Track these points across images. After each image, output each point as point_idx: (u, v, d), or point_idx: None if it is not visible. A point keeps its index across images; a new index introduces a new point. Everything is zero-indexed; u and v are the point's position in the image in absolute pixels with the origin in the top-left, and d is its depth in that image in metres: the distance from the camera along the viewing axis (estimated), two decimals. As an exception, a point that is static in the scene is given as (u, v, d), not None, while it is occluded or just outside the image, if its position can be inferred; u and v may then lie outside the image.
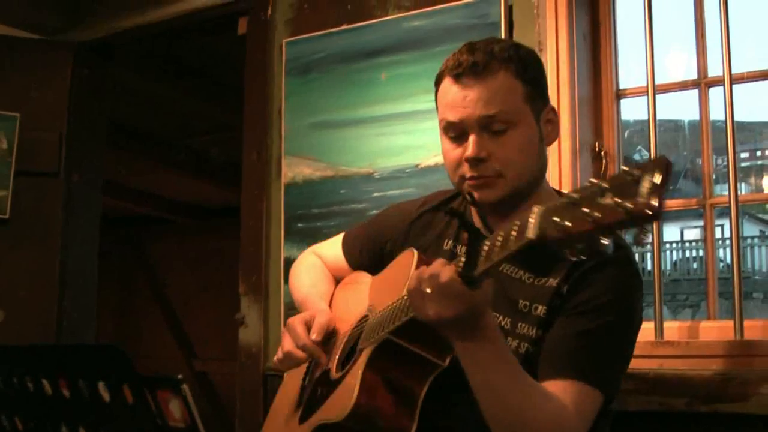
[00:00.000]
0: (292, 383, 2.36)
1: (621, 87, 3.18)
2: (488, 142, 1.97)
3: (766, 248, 22.51)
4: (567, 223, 1.38)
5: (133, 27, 4.26)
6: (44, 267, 4.28)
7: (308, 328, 2.19)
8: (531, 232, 1.46)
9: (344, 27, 3.57)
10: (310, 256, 2.57)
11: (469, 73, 1.99)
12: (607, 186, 1.34)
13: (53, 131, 4.32)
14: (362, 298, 2.23)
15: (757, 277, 21.46)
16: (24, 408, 1.56)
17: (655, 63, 3.02)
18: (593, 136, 3.14)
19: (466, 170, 2.00)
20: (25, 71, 4.36)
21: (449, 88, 2.02)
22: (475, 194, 2.00)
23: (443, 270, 1.69)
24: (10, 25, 4.38)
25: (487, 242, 1.62)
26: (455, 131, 2.02)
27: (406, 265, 2.00)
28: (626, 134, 3.14)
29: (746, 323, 2.77)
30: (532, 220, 1.46)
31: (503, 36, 3.11)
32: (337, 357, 2.14)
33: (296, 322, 2.21)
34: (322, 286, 2.43)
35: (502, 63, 1.98)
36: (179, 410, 1.20)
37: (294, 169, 3.61)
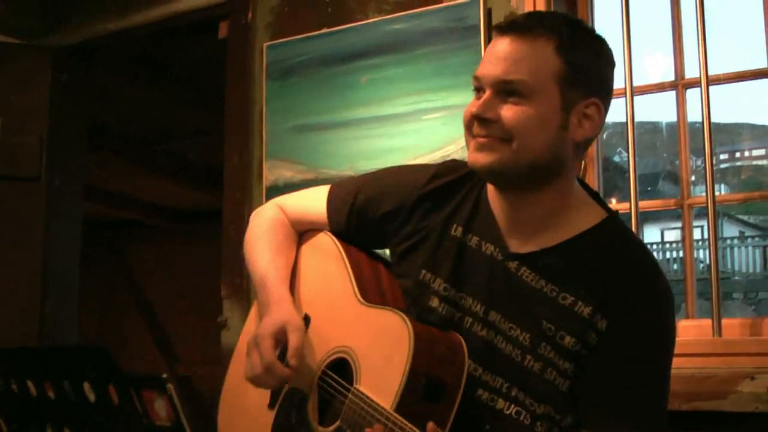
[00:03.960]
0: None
1: (599, 89, 3.20)
2: (500, 105, 1.80)
3: (746, 249, 22.61)
4: None
5: (113, 31, 4.25)
6: (26, 271, 4.27)
7: (277, 342, 1.99)
8: None
9: (324, 30, 3.58)
10: (271, 208, 2.30)
11: (507, 30, 1.83)
12: None
13: (34, 135, 4.32)
14: (333, 290, 2.08)
15: (736, 278, 21.54)
16: (8, 409, 1.55)
17: (633, 65, 3.05)
18: (572, 138, 3.15)
19: (475, 126, 1.84)
20: (5, 75, 4.35)
21: (492, 40, 1.87)
22: (470, 158, 1.86)
23: None
24: (-11, 29, 4.38)
25: None
26: (477, 83, 1.86)
27: (400, 342, 1.83)
28: (605, 136, 3.14)
29: (724, 322, 2.81)
30: None
31: (482, 39, 3.13)
32: (314, 400, 2.01)
33: (266, 336, 1.98)
34: (282, 259, 2.19)
35: (547, 31, 1.80)
36: (165, 409, 1.20)
37: (275, 172, 3.61)
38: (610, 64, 1.91)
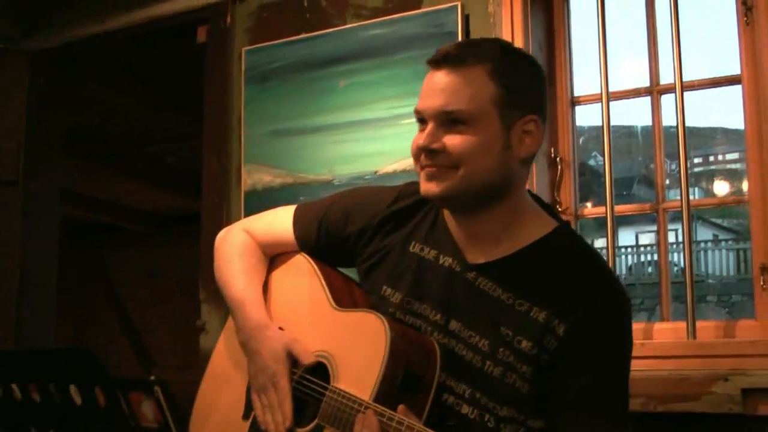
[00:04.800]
0: (229, 382, 2.24)
1: (576, 94, 3.23)
2: (444, 134, 1.89)
3: (720, 252, 22.76)
4: None
5: (91, 36, 4.24)
6: (3, 275, 4.26)
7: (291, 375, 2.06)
8: None
9: (303, 36, 3.59)
10: (239, 233, 2.33)
11: (442, 62, 1.91)
12: None
13: (11, 140, 4.31)
14: (307, 301, 2.14)
15: (710, 281, 21.68)
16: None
17: (608, 71, 3.09)
18: (549, 143, 3.19)
19: (423, 158, 1.92)
20: (-19, 80, 4.34)
21: (428, 74, 1.95)
22: (422, 188, 1.94)
23: None
24: (-35, 34, 4.37)
25: None
26: (419, 116, 1.94)
27: (376, 338, 1.90)
28: (581, 140, 3.18)
29: (698, 324, 2.85)
30: None
31: (460, 44, 3.15)
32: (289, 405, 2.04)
33: (286, 377, 2.04)
34: (257, 282, 2.25)
35: (480, 59, 1.89)
36: (152, 411, 1.22)
37: (254, 177, 3.63)
38: (542, 80, 2.02)
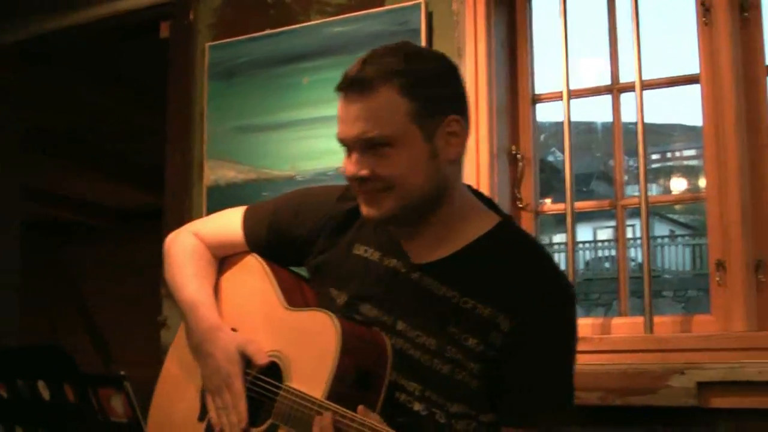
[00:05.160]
0: (184, 384, 2.26)
1: (537, 92, 3.26)
2: (370, 160, 1.88)
3: (676, 248, 23.00)
4: None
5: (55, 30, 4.22)
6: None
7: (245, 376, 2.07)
8: None
9: (267, 32, 3.60)
10: (187, 236, 2.32)
11: (350, 89, 1.90)
12: None
13: (-30, 135, 4.29)
14: (258, 302, 2.15)
15: (666, 276, 21.90)
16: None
17: (569, 69, 3.12)
18: (510, 140, 3.22)
19: (356, 184, 1.94)
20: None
21: (339, 101, 1.94)
22: (363, 211, 1.96)
23: None
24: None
25: None
26: (343, 145, 1.94)
27: (327, 336, 1.91)
28: (542, 137, 3.20)
29: (656, 319, 2.89)
30: None
31: (423, 42, 3.17)
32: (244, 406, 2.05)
33: (240, 379, 2.05)
34: (208, 285, 2.25)
35: (387, 78, 1.86)
36: (121, 406, 1.23)
37: (217, 172, 3.63)
38: (455, 75, 1.99)
